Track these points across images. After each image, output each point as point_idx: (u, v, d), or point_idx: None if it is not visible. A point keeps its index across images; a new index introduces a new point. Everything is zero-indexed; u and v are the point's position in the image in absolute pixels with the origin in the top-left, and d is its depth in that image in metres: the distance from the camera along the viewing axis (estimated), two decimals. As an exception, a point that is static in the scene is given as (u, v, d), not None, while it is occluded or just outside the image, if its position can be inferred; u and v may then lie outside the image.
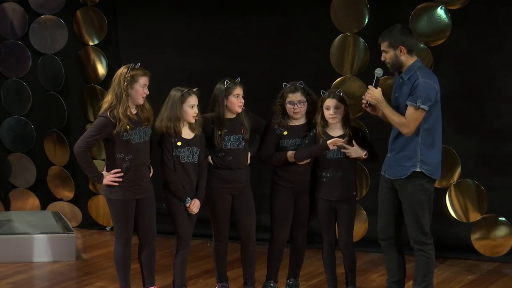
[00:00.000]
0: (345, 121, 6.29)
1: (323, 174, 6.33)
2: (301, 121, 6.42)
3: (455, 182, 7.56)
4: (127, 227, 6.17)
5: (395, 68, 5.97)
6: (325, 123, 6.28)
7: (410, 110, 5.81)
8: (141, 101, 6.11)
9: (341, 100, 6.23)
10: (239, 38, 8.34)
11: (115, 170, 6.08)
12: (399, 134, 5.92)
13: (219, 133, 6.30)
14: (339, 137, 6.23)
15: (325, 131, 6.29)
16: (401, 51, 5.90)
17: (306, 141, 6.37)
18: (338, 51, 7.77)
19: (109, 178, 6.09)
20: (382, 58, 5.99)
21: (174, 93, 6.21)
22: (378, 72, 6.02)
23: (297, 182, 6.40)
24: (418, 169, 5.86)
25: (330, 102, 6.21)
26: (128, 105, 6.06)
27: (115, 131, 6.02)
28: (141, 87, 6.08)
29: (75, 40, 9.01)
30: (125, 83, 6.03)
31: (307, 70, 7.94)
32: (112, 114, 6.02)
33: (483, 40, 7.44)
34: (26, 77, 9.27)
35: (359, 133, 6.36)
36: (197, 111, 6.21)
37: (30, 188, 9.42)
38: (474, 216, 7.55)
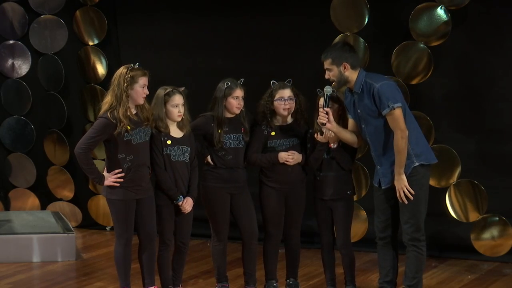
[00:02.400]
0: (340, 119, 6.25)
1: (317, 173, 6.34)
2: (288, 120, 6.40)
3: (455, 182, 7.56)
4: (128, 227, 6.16)
5: (341, 85, 6.02)
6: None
7: (390, 116, 5.85)
8: (141, 101, 6.10)
9: (333, 99, 6.20)
10: (239, 38, 8.33)
11: (116, 171, 6.08)
12: (385, 145, 5.96)
13: (219, 131, 6.30)
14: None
15: (321, 130, 6.28)
16: (344, 68, 5.95)
17: (309, 145, 6.37)
18: (338, 51, 7.76)
19: (110, 179, 6.09)
20: (326, 76, 6.02)
21: (159, 91, 6.22)
22: (328, 89, 6.05)
23: (287, 183, 6.39)
24: (416, 164, 5.91)
25: (322, 101, 6.21)
26: (128, 106, 6.06)
27: (116, 132, 6.01)
28: (141, 88, 6.07)
29: (75, 40, 9.01)
30: (125, 84, 6.03)
31: (307, 70, 7.94)
32: (112, 115, 6.01)
33: (483, 40, 7.44)
34: (26, 77, 9.28)
35: None
36: (182, 110, 6.19)
37: (30, 188, 9.43)
38: (474, 216, 7.54)
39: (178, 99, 6.18)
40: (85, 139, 6.07)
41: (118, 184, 6.07)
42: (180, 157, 6.24)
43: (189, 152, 6.27)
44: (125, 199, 6.10)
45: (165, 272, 6.38)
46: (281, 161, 6.31)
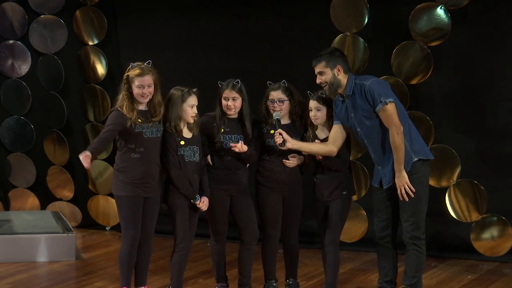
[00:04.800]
0: (330, 121, 6.25)
1: (315, 175, 6.35)
2: (285, 120, 6.38)
3: (454, 182, 7.56)
4: (135, 225, 6.15)
5: (333, 89, 6.04)
6: (313, 125, 6.30)
7: (383, 112, 5.87)
8: (141, 100, 6.10)
9: (322, 101, 6.21)
10: (239, 38, 8.34)
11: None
12: (384, 145, 5.97)
13: (219, 131, 6.29)
14: (323, 140, 6.24)
15: (315, 133, 6.30)
16: (338, 71, 5.98)
17: None
18: (337, 51, 7.77)
19: (84, 155, 5.89)
20: (318, 81, 6.05)
21: (175, 92, 6.21)
22: (278, 114, 6.19)
23: (284, 183, 6.38)
24: (415, 159, 5.92)
25: (312, 104, 6.23)
26: (135, 102, 6.09)
27: (128, 124, 6.03)
28: (137, 88, 6.08)
29: (75, 40, 9.01)
30: (123, 83, 6.10)
31: (307, 70, 7.89)
32: (121, 109, 6.08)
33: (483, 40, 7.44)
34: (26, 77, 9.27)
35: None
36: (196, 112, 6.22)
37: (30, 188, 9.43)
38: (474, 216, 7.55)
39: (194, 100, 6.21)
40: (101, 133, 6.11)
41: (86, 163, 5.90)
42: (192, 157, 6.24)
43: (198, 152, 6.28)
44: (134, 196, 6.10)
45: (179, 273, 6.32)
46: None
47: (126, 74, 6.11)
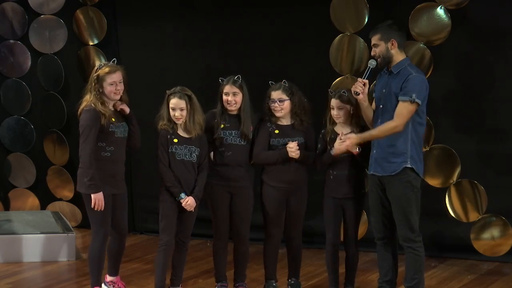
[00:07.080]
0: (353, 120, 6.29)
1: (331, 172, 6.33)
2: (287, 121, 6.40)
3: (454, 182, 7.56)
4: (106, 222, 6.25)
5: (385, 63, 6.01)
6: (333, 121, 6.31)
7: (403, 105, 5.83)
8: (114, 97, 6.19)
9: (344, 100, 6.23)
10: (239, 38, 8.33)
11: None
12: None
13: (218, 127, 6.31)
14: (346, 134, 6.24)
15: (333, 130, 6.31)
16: (392, 45, 5.96)
17: (319, 145, 6.39)
18: (337, 51, 7.77)
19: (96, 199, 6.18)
20: (372, 53, 6.04)
21: (167, 91, 6.28)
22: (372, 63, 6.07)
23: (289, 182, 6.39)
24: (408, 165, 5.90)
25: (334, 103, 6.26)
26: (105, 101, 6.16)
27: (103, 122, 6.10)
28: (109, 85, 6.14)
29: (75, 40, 9.00)
30: (93, 83, 6.15)
31: (307, 70, 7.94)
32: (96, 107, 6.13)
33: (483, 40, 7.44)
34: (26, 77, 9.27)
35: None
36: (179, 114, 6.18)
37: (30, 188, 9.43)
38: (474, 216, 7.55)
39: (174, 102, 6.20)
40: (85, 145, 6.10)
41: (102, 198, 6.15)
42: (187, 156, 6.24)
43: (197, 153, 6.27)
44: (106, 194, 6.17)
45: (160, 270, 6.34)
46: (290, 154, 6.29)
47: (95, 74, 6.15)
